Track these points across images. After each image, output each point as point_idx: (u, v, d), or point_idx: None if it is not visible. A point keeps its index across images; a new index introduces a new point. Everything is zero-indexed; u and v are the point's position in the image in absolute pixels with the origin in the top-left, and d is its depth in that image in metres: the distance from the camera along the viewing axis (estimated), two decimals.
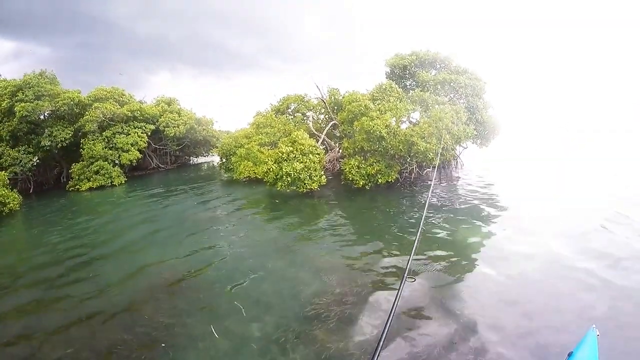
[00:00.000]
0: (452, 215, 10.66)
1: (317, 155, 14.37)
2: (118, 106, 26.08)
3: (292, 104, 22.53)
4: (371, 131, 13.89)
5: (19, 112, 22.48)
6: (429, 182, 16.03)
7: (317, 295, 6.02)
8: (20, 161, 23.22)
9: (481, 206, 11.80)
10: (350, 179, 14.37)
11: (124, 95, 28.15)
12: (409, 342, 4.68)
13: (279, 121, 20.45)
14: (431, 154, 13.52)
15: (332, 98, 19.92)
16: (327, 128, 18.44)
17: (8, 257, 10.23)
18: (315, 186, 13.80)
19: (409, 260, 3.90)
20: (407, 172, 15.76)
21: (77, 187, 22.96)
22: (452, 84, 16.92)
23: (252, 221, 12.07)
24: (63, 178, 26.43)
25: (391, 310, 2.39)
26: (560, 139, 36.11)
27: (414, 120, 16.40)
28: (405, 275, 3.11)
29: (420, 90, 16.60)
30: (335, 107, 19.60)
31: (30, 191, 24.22)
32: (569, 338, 4.41)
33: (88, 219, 14.23)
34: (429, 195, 9.41)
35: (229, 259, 8.32)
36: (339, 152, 18.34)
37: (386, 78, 18.93)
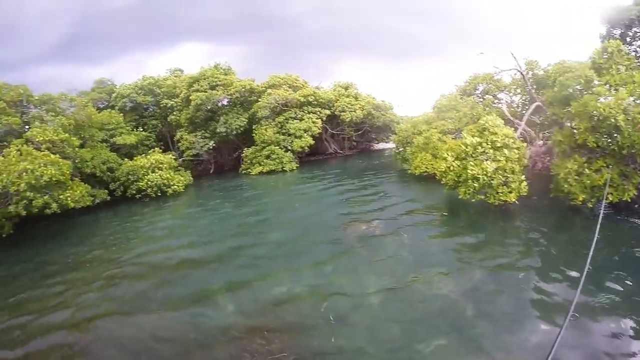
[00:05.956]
0: None
1: (515, 151, 10.38)
2: (291, 92, 26.46)
3: (480, 85, 18.51)
4: (600, 117, 9.12)
5: (194, 100, 25.31)
6: None
7: None
8: (196, 145, 26.33)
9: None
10: (566, 190, 9.90)
11: (297, 81, 28.54)
12: None
13: (465, 104, 16.81)
14: None
15: (531, 73, 15.17)
16: (528, 112, 13.70)
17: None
18: (512, 198, 9.85)
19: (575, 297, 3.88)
20: None
21: (248, 170, 24.78)
22: None
23: (407, 245, 9.52)
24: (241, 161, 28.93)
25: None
26: None
27: None
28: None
29: None
30: (535, 87, 14.97)
31: (211, 172, 27.75)
32: None
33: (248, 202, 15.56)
34: None
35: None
36: (542, 146, 13.80)
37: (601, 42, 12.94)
